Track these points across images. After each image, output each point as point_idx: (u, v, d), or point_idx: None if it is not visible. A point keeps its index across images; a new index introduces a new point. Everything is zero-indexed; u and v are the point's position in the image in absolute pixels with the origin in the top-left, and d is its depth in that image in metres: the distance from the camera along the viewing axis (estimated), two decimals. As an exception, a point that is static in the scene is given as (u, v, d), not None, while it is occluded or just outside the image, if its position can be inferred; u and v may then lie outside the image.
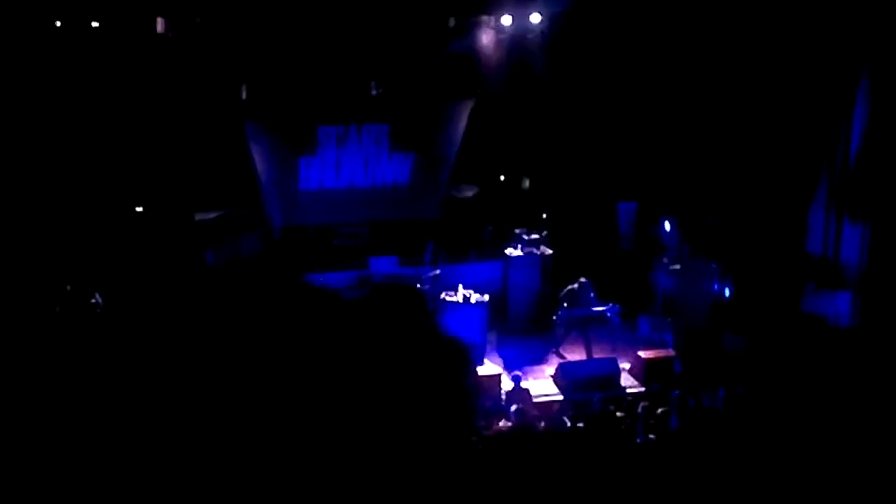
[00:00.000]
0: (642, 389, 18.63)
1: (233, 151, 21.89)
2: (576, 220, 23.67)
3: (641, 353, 19.46)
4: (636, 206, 24.22)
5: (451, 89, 23.22)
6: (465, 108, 23.37)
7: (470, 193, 24.80)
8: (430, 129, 23.52)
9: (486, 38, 23.39)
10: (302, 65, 21.89)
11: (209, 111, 21.78)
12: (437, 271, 20.98)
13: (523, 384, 17.76)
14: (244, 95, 22.04)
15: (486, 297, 20.11)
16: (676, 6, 22.10)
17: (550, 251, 22.05)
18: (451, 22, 22.91)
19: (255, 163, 22.28)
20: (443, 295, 19.91)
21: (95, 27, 20.88)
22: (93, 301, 18.86)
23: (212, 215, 22.17)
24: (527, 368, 19.01)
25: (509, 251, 21.94)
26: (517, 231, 22.26)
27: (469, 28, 23.14)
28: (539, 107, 23.99)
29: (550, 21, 22.81)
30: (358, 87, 22.79)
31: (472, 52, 23.25)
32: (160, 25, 21.23)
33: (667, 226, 22.62)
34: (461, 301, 19.80)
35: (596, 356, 19.97)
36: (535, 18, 22.85)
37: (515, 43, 23.49)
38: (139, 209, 22.16)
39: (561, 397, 18.29)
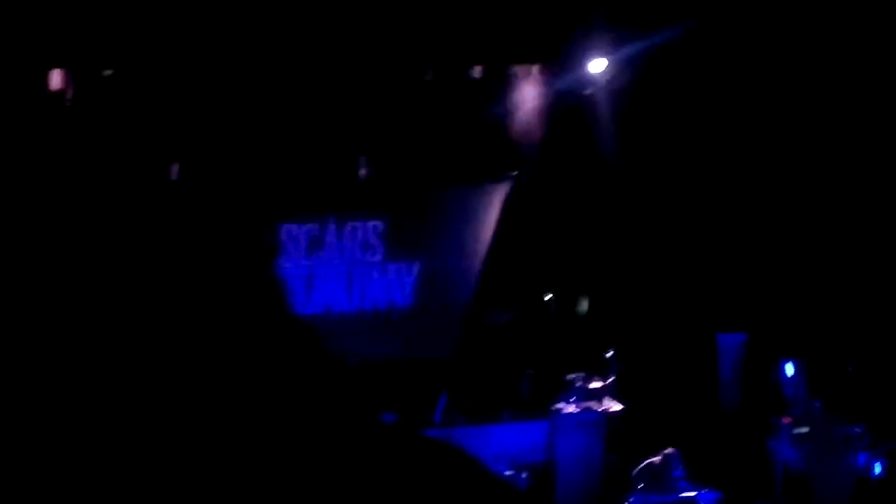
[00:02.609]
0: None
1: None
2: (656, 359, 22.01)
3: (756, 564, 17.94)
4: (744, 339, 22.67)
5: (476, 168, 22.00)
6: (497, 196, 22.05)
7: (502, 321, 23.37)
8: (444, 225, 22.17)
9: (527, 94, 22.05)
10: (257, 133, 20.23)
11: (121, 197, 19.04)
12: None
13: None
14: (174, 175, 19.33)
15: (525, 475, 19.03)
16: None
17: (619, 406, 20.43)
18: (477, 72, 21.54)
19: None
20: (462, 470, 17.72)
21: None
22: None
23: None
24: (585, 586, 18.58)
25: (559, 406, 20.29)
26: (570, 377, 20.48)
27: (503, 80, 21.92)
28: (603, 194, 22.81)
29: (622, 71, 21.60)
30: (339, 164, 21.38)
31: (508, 114, 21.96)
32: (57, 81, 19.29)
33: (789, 369, 20.72)
34: (489, 480, 17.85)
35: (688, 567, 18.42)
36: (598, 66, 21.61)
37: (570, 102, 22.25)
38: None
39: None
